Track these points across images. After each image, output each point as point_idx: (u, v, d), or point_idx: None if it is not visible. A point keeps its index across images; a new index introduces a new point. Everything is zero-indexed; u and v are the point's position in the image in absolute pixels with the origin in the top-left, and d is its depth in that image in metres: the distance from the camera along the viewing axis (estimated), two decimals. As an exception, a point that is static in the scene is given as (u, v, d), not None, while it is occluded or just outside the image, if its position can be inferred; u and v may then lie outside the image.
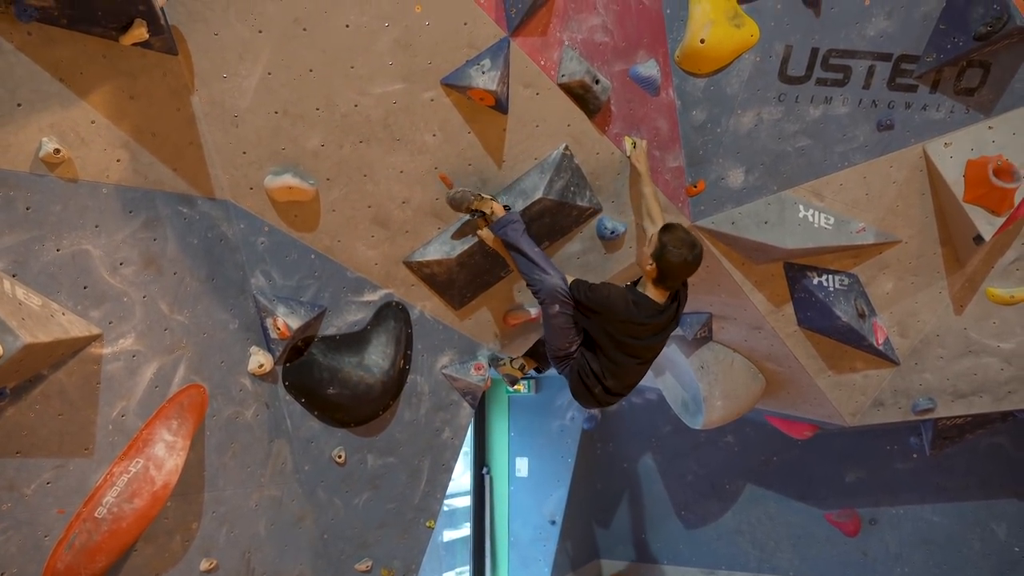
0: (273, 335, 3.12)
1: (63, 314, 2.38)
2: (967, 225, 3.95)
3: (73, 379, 2.45)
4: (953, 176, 3.92)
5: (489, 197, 3.28)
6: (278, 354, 3.17)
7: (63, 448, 2.44)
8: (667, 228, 3.16)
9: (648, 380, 5.97)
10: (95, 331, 2.48)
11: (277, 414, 3.25)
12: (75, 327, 2.39)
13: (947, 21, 3.59)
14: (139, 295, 2.64)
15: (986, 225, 3.90)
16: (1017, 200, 3.89)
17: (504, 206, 3.26)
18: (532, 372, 3.99)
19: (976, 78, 3.80)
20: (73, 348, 2.41)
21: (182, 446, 2.69)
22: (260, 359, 3.11)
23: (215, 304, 2.94)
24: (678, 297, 3.30)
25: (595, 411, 7.13)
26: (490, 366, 3.86)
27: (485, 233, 3.34)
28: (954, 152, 3.92)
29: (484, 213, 3.26)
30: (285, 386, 3.27)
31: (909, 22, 3.61)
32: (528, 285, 3.25)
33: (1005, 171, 3.82)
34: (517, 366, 3.85)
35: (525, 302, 3.81)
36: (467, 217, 3.33)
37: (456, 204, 3.26)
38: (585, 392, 3.39)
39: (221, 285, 2.96)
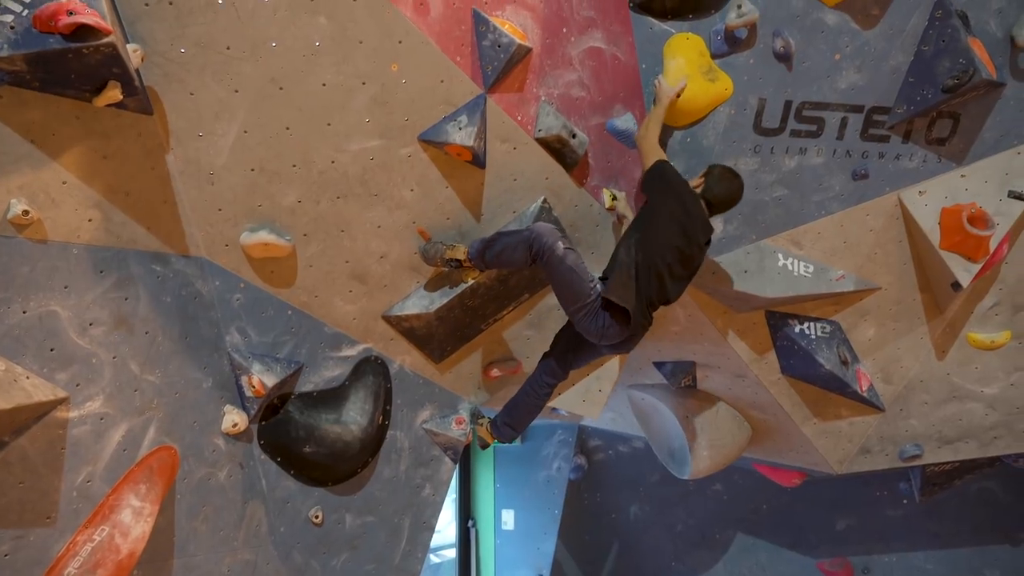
0: (248, 393, 3.06)
1: (27, 378, 2.31)
2: (944, 272, 3.98)
3: (36, 445, 2.37)
4: (929, 224, 3.96)
5: (459, 244, 3.26)
6: (253, 412, 3.10)
7: (23, 518, 2.35)
8: (716, 164, 3.42)
9: (634, 428, 5.91)
10: (61, 394, 2.42)
11: (252, 474, 3.16)
12: (40, 391, 2.32)
13: (915, 74, 3.68)
14: (108, 356, 2.59)
15: (963, 272, 3.93)
16: (992, 247, 3.93)
17: None
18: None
19: (947, 128, 3.88)
20: (37, 413, 2.34)
21: (150, 512, 2.60)
22: (234, 418, 3.04)
23: (188, 363, 2.89)
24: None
25: (581, 461, 7.02)
26: (471, 422, 3.80)
27: (476, 274, 3.32)
28: (929, 200, 3.98)
29: (460, 261, 3.23)
30: (260, 445, 3.19)
31: (879, 75, 3.69)
32: (530, 254, 3.03)
33: (979, 219, 3.87)
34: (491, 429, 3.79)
35: (504, 354, 3.78)
36: (443, 269, 3.32)
37: (429, 258, 3.25)
38: (621, 287, 3.11)
39: (195, 343, 2.91)
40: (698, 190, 3.31)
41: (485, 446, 3.81)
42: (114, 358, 2.60)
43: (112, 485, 2.58)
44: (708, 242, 3.37)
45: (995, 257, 4.05)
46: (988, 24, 3.67)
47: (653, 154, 3.30)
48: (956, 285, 3.96)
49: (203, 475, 2.96)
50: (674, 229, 3.18)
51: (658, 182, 3.24)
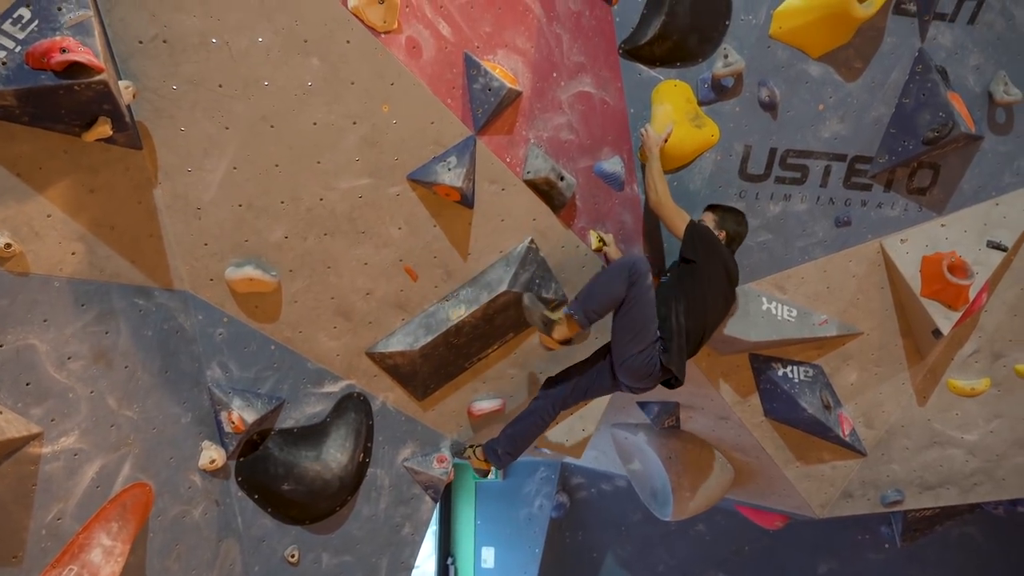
0: (227, 429, 3.02)
1: (0, 413, 2.27)
2: (925, 319, 4.03)
3: (7, 481, 2.32)
4: (910, 271, 4.02)
5: (561, 317, 3.28)
6: (232, 448, 3.06)
7: (-11, 557, 2.30)
8: (718, 206, 3.62)
9: (617, 467, 5.88)
10: (35, 430, 2.37)
11: (228, 512, 3.10)
12: (13, 427, 2.28)
13: (896, 126, 3.76)
14: (86, 390, 2.55)
15: (943, 319, 3.98)
16: (972, 295, 3.99)
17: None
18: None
19: (927, 178, 3.96)
20: (8, 449, 2.29)
21: (121, 551, 2.54)
22: (212, 454, 3.00)
23: (167, 398, 2.85)
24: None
25: (563, 499, 6.96)
26: (455, 456, 3.77)
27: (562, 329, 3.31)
28: (910, 248, 4.04)
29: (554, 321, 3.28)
30: (238, 482, 3.14)
31: (861, 126, 3.77)
32: (629, 278, 3.15)
33: (959, 267, 3.93)
34: (483, 456, 3.74)
35: (489, 393, 3.76)
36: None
37: (530, 317, 3.29)
38: (675, 347, 3.26)
39: (174, 378, 2.88)
40: (712, 226, 3.49)
41: (485, 475, 3.77)
42: (91, 393, 2.57)
43: (83, 523, 2.52)
44: (733, 283, 3.55)
45: (975, 305, 4.10)
46: (967, 79, 3.77)
47: (679, 216, 3.42)
48: (937, 332, 4.00)
49: (177, 512, 2.90)
50: (719, 295, 3.41)
51: (701, 245, 3.35)
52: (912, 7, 3.57)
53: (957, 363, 4.43)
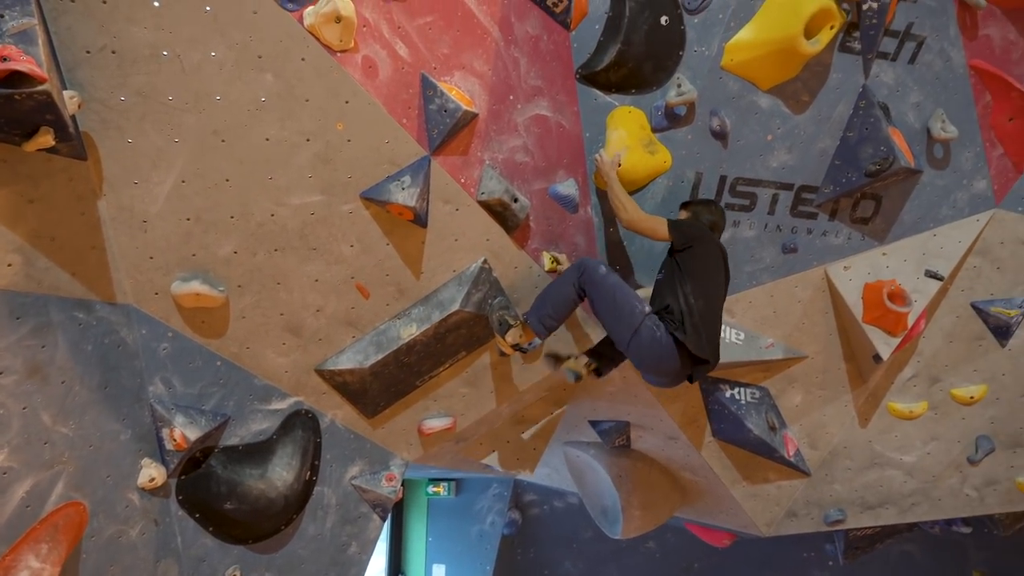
0: (169, 446, 2.96)
1: (-74, 430, 2.19)
2: (867, 344, 4.16)
3: (-70, 501, 2.24)
4: (852, 298, 4.14)
5: (516, 325, 3.32)
6: (173, 466, 2.99)
7: (-93, 581, 2.20)
8: (690, 203, 3.62)
9: (570, 484, 5.90)
10: (-38, 448, 2.29)
11: (167, 531, 3.03)
12: (-62, 445, 2.20)
13: (841, 158, 3.89)
14: (18, 407, 2.47)
15: (883, 345, 4.11)
16: (910, 322, 4.13)
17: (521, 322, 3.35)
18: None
19: (870, 209, 4.10)
20: (-67, 468, 2.21)
21: (50, 573, 2.46)
22: (151, 472, 2.93)
23: (105, 414, 2.78)
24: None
25: (515, 516, 6.95)
26: (553, 365, 3.64)
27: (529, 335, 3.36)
28: (853, 275, 4.17)
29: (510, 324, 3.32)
30: (179, 501, 3.07)
31: (807, 157, 3.89)
32: (579, 277, 3.23)
33: (898, 295, 4.07)
34: (583, 363, 3.56)
35: (440, 412, 3.75)
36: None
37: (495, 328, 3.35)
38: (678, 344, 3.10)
39: (114, 393, 2.81)
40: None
41: (578, 378, 3.56)
42: (24, 409, 2.49)
43: (11, 544, 2.44)
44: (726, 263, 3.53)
45: (913, 332, 4.25)
46: (907, 116, 3.92)
47: (656, 222, 3.37)
48: (877, 357, 4.13)
49: (113, 532, 2.82)
50: (720, 270, 3.39)
51: (690, 231, 3.34)
52: (857, 46, 3.71)
53: (896, 387, 4.58)
